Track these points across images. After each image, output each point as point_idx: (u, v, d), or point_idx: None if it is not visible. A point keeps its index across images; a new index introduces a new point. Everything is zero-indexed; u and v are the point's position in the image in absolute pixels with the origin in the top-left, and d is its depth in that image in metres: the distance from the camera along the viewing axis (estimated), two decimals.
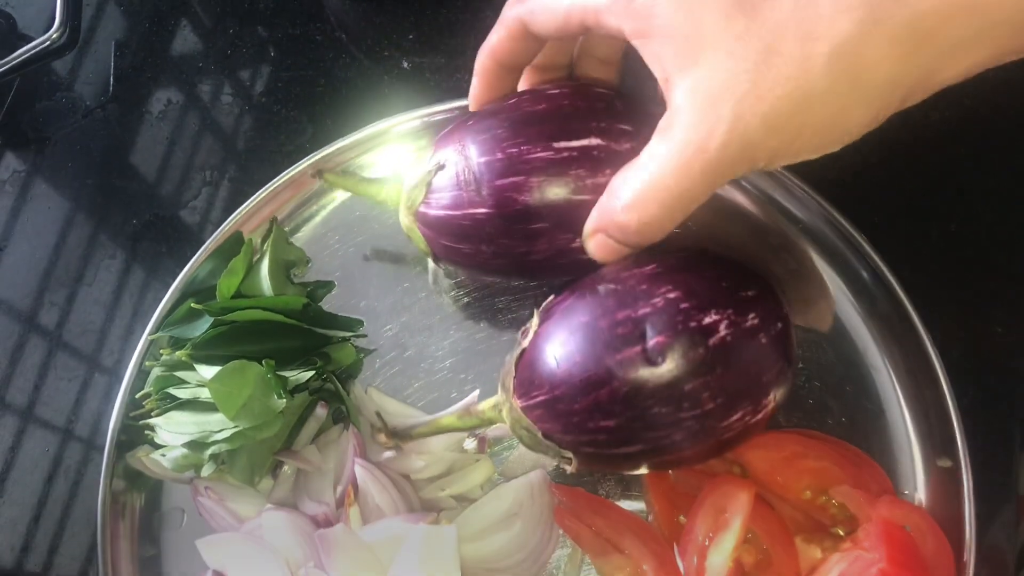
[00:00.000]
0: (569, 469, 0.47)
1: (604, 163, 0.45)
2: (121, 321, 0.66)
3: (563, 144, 0.45)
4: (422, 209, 0.49)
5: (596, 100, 0.47)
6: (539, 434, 0.46)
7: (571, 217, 0.45)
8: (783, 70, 0.35)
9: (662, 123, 0.39)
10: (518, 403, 0.47)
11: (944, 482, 0.54)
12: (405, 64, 0.69)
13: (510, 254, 0.48)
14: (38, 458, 0.64)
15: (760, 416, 0.45)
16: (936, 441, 0.54)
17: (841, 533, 0.53)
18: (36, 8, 0.76)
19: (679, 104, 0.37)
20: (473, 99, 0.51)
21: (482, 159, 0.46)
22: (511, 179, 0.45)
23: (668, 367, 0.41)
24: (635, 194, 0.40)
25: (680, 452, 0.44)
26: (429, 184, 0.48)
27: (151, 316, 0.60)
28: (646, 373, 0.42)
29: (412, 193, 0.49)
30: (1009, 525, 0.54)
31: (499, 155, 0.45)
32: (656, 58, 0.38)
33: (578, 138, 0.45)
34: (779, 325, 0.45)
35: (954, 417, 0.53)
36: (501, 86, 0.50)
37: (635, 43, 0.39)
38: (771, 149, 0.37)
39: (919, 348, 0.55)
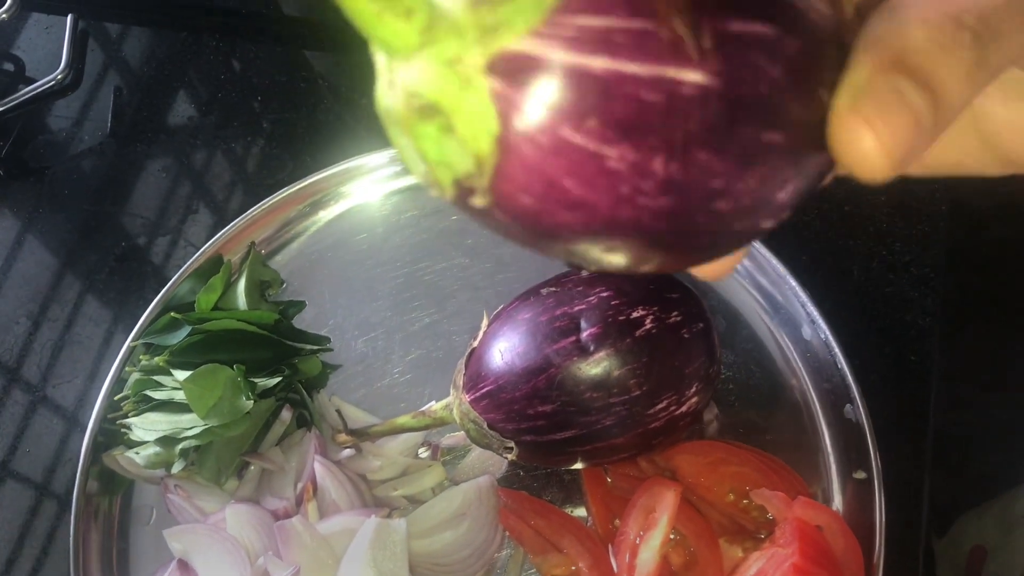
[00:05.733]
0: (510, 457, 0.51)
1: None
2: (106, 332, 0.71)
3: None
4: None
5: None
6: (484, 425, 0.51)
7: None
8: None
9: None
10: (466, 397, 0.52)
11: (859, 493, 0.58)
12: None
13: None
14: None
15: (684, 408, 0.50)
16: (853, 455, 0.59)
17: (762, 536, 0.57)
18: (44, 52, 0.83)
19: None
20: None
21: None
22: None
23: (599, 355, 0.47)
24: None
25: (611, 439, 0.49)
26: None
27: (132, 329, 0.65)
28: (580, 360, 0.47)
29: None
30: (916, 532, 0.58)
31: None
32: None
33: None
34: (700, 325, 0.50)
35: (868, 435, 0.58)
36: None
37: None
38: None
39: (839, 373, 0.60)
